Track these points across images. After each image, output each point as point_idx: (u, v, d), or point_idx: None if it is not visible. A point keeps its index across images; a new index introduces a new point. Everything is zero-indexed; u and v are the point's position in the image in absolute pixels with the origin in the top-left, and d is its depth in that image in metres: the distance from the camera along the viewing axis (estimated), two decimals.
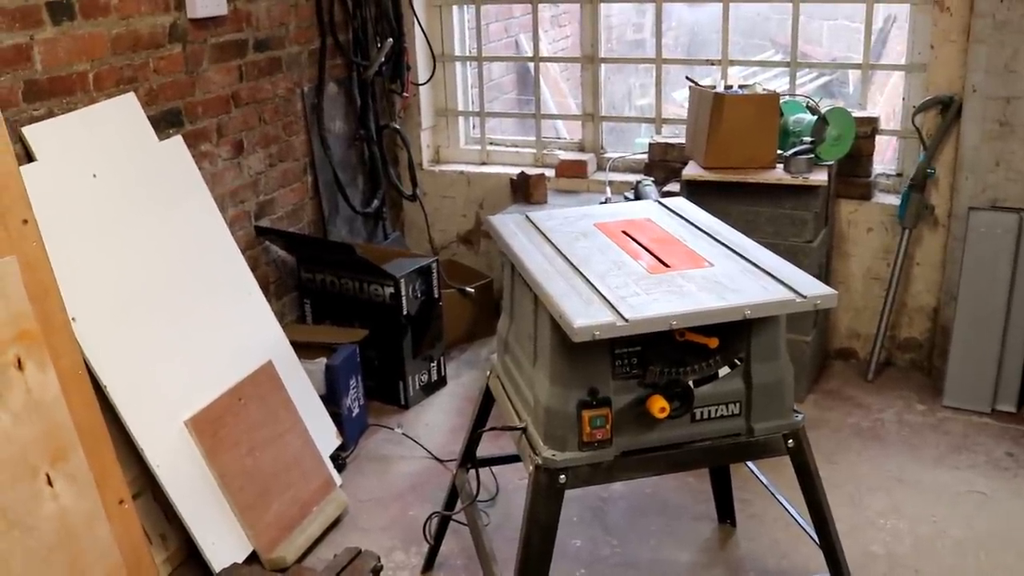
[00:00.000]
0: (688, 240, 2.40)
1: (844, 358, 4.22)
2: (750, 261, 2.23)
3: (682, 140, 4.12)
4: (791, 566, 2.87)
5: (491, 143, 4.86)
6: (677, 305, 1.98)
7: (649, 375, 2.07)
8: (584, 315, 1.93)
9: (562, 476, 2.08)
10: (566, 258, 2.28)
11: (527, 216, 2.63)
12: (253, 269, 3.50)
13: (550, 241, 2.41)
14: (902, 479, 3.30)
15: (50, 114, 2.86)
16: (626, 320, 1.92)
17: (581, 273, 2.17)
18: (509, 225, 2.55)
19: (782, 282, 2.09)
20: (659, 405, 2.03)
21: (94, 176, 2.91)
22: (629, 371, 2.07)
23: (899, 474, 3.33)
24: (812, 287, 2.06)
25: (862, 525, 3.05)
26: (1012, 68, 3.52)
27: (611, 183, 4.31)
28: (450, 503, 2.85)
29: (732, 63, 4.32)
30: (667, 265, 2.21)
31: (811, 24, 7.12)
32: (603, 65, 4.55)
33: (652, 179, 4.06)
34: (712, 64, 4.36)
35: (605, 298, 2.02)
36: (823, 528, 2.32)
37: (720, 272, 2.16)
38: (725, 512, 3.08)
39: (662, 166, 4.20)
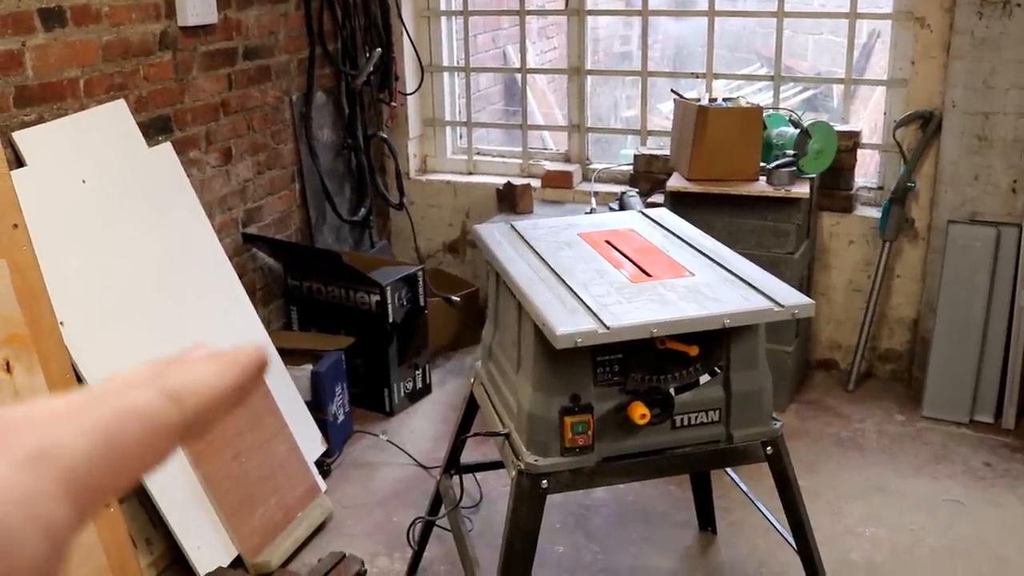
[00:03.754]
0: (670, 250, 2.43)
1: (825, 368, 4.26)
2: (730, 271, 2.27)
3: (667, 152, 4.16)
4: (770, 572, 2.91)
5: (478, 153, 4.90)
6: (658, 313, 2.02)
7: (630, 382, 2.10)
8: (567, 323, 1.96)
9: (544, 481, 2.11)
10: (550, 267, 2.31)
11: (512, 225, 2.67)
12: (240, 276, 3.52)
13: (535, 250, 2.44)
14: (881, 488, 3.34)
15: (40, 120, 2.88)
16: (608, 328, 1.95)
17: (564, 282, 2.20)
18: (495, 234, 2.59)
19: (761, 292, 2.13)
20: (640, 412, 2.06)
21: (84, 182, 2.94)
22: (611, 378, 2.11)
23: (878, 483, 3.37)
24: (790, 297, 2.10)
25: (841, 533, 3.09)
26: (990, 84, 3.59)
27: (596, 194, 4.35)
28: (434, 509, 2.87)
29: (717, 76, 4.38)
30: (649, 274, 2.25)
31: (796, 38, 7.20)
32: (589, 77, 4.59)
33: (637, 190, 4.10)
34: (697, 77, 4.41)
35: (588, 306, 2.05)
36: (801, 535, 2.36)
37: (701, 282, 2.20)
38: (706, 520, 3.12)
39: (647, 177, 4.24)
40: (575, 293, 2.13)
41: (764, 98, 4.45)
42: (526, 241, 2.52)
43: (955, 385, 3.77)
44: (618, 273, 2.27)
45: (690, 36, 6.84)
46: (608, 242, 2.49)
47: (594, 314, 2.01)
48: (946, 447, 3.61)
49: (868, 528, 3.12)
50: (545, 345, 2.01)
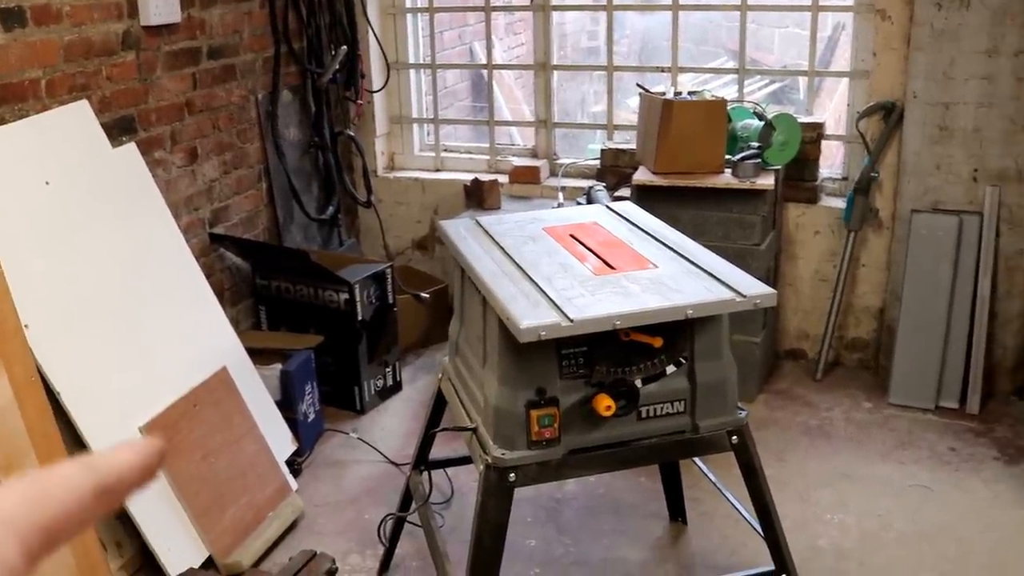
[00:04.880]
0: (634, 243, 2.45)
1: (793, 358, 4.30)
2: (694, 263, 2.29)
3: (633, 146, 4.18)
4: (740, 561, 2.93)
5: (445, 150, 4.90)
6: (621, 305, 2.03)
7: (595, 374, 2.12)
8: (530, 316, 1.97)
9: (511, 474, 2.12)
10: (514, 262, 2.32)
11: (478, 221, 2.67)
12: (208, 276, 3.50)
13: (499, 245, 2.45)
14: (849, 475, 3.38)
15: (2, 121, 2.85)
16: (571, 320, 1.96)
17: (528, 276, 2.21)
18: (460, 230, 2.60)
19: (724, 283, 2.15)
20: (605, 403, 2.07)
21: (47, 183, 2.91)
22: (576, 371, 2.12)
23: (846, 470, 3.41)
24: (753, 287, 2.12)
25: (810, 520, 3.12)
26: (950, 75, 3.63)
27: (564, 189, 4.36)
28: (404, 505, 2.88)
29: (682, 70, 4.40)
30: (612, 267, 2.26)
31: (762, 31, 7.23)
32: (556, 72, 4.60)
33: (604, 184, 4.12)
34: (663, 71, 4.43)
35: (551, 299, 2.06)
36: (767, 523, 2.38)
37: (664, 273, 2.22)
38: (676, 510, 3.14)
39: (614, 172, 4.26)
40: (539, 287, 2.14)
41: (731, 91, 4.47)
42: (491, 236, 2.53)
43: (920, 372, 3.81)
44: (582, 266, 2.28)
45: (656, 30, 6.85)
46: (572, 236, 2.50)
47: (557, 307, 2.02)
48: (912, 433, 3.65)
49: (836, 514, 3.15)
50: (510, 339, 2.02)
